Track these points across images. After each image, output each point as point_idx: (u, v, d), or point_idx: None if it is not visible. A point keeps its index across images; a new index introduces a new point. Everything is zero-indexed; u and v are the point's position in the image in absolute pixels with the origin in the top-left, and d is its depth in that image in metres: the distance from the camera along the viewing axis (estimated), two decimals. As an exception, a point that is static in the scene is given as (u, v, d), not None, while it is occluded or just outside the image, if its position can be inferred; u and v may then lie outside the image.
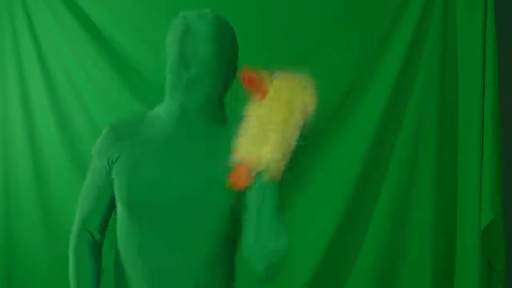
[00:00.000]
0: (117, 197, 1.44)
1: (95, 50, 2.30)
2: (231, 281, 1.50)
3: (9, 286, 2.40)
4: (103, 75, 2.31)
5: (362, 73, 2.25)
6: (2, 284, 2.38)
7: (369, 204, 2.28)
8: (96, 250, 1.52)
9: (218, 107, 1.43)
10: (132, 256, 1.43)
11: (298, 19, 2.24)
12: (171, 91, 1.42)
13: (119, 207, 1.45)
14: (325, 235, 2.26)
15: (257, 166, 1.25)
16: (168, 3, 2.28)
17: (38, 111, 2.37)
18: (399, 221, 2.27)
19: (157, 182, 1.39)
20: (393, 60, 2.23)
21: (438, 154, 2.24)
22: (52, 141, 2.36)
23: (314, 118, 2.28)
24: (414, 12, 2.21)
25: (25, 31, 2.35)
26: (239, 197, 1.39)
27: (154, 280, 1.40)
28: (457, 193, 2.24)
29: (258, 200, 1.29)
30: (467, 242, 2.18)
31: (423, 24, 2.21)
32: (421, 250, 2.25)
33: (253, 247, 1.30)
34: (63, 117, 2.36)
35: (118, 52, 2.32)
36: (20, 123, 2.37)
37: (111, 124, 1.50)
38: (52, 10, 2.32)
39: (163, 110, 1.45)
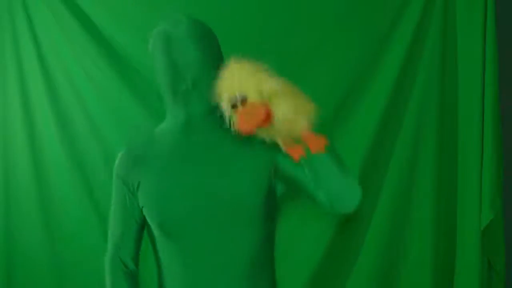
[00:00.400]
0: (149, 221, 1.44)
1: (95, 50, 2.30)
2: (274, 274, 1.54)
3: (9, 286, 2.40)
4: (103, 75, 2.31)
5: (362, 73, 2.25)
6: (2, 284, 2.38)
7: (369, 204, 2.28)
8: (133, 279, 1.51)
9: (207, 98, 1.42)
10: (175, 275, 1.43)
11: (298, 19, 2.24)
12: (172, 104, 1.43)
13: (155, 232, 1.45)
14: (325, 235, 2.26)
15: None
16: (168, 3, 2.28)
17: (38, 111, 2.37)
18: (399, 221, 2.27)
19: (184, 200, 1.39)
20: (393, 60, 2.22)
21: (438, 154, 2.24)
22: (52, 141, 2.36)
23: (314, 119, 2.28)
24: (414, 12, 2.21)
25: (25, 31, 2.35)
26: (270, 191, 1.41)
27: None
28: (457, 193, 2.24)
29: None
30: (467, 242, 2.18)
31: (423, 24, 2.21)
32: (421, 250, 2.25)
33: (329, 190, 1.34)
34: (63, 117, 2.36)
35: (118, 52, 2.32)
36: (20, 123, 2.37)
37: (124, 148, 1.49)
38: (52, 10, 2.32)
39: (169, 124, 1.45)
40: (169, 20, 1.44)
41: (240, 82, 1.29)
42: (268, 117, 1.27)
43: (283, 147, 1.34)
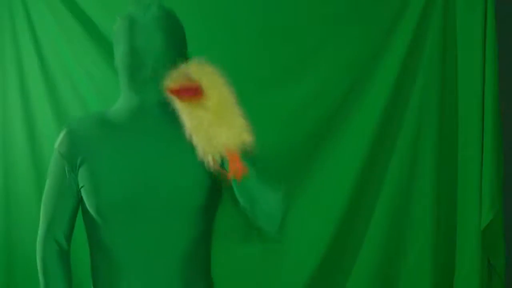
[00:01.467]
0: (86, 202, 1.42)
1: (95, 50, 2.30)
2: (209, 270, 1.50)
3: (9, 286, 2.39)
4: (103, 75, 2.31)
5: (362, 72, 2.24)
6: (2, 284, 2.38)
7: (369, 204, 2.28)
8: (65, 259, 1.50)
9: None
10: (109, 259, 1.42)
11: (298, 18, 2.24)
12: (128, 88, 1.42)
13: (90, 212, 1.43)
14: (325, 235, 2.25)
15: (235, 149, 1.27)
16: (168, 3, 2.28)
17: (38, 111, 2.36)
18: (399, 220, 2.27)
19: (126, 183, 1.38)
20: (393, 60, 2.22)
21: (438, 154, 2.24)
22: (52, 141, 2.33)
23: (314, 118, 2.29)
24: (414, 12, 2.21)
25: (25, 31, 2.35)
26: (211, 191, 1.40)
27: (136, 279, 1.39)
28: (457, 193, 2.24)
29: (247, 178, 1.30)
30: (467, 242, 2.18)
31: (423, 24, 2.21)
32: (421, 250, 2.24)
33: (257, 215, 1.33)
34: (63, 117, 2.35)
35: (118, 52, 2.32)
36: (20, 123, 2.37)
37: (68, 125, 1.47)
38: (52, 10, 2.32)
39: (121, 108, 1.44)
40: (138, 6, 1.44)
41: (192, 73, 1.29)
42: (196, 91, 1.26)
43: (203, 157, 1.30)
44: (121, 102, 1.45)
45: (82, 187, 1.43)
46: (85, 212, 1.47)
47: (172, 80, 1.28)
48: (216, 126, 1.27)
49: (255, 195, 1.29)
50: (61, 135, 1.48)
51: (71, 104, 2.35)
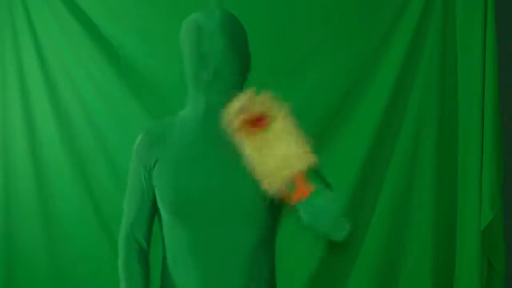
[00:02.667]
0: (160, 203, 1.46)
1: (95, 50, 2.30)
2: (273, 272, 1.53)
3: (9, 286, 2.40)
4: (103, 75, 2.31)
5: (362, 73, 2.25)
6: (2, 284, 2.38)
7: (369, 204, 2.28)
8: (145, 259, 1.54)
9: (227, 90, 1.45)
10: (181, 258, 1.45)
11: (298, 19, 2.24)
12: (194, 92, 1.46)
13: (163, 213, 1.47)
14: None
15: (298, 172, 1.28)
16: (168, 3, 2.28)
17: (38, 111, 2.37)
18: (399, 221, 2.27)
19: (197, 183, 1.42)
20: (393, 60, 2.22)
21: (438, 154, 2.24)
22: (52, 141, 2.36)
23: (314, 118, 2.29)
24: (414, 12, 2.21)
25: (25, 31, 2.35)
26: (272, 199, 1.43)
27: (208, 275, 1.43)
28: (457, 193, 2.24)
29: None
30: (467, 242, 2.18)
31: (423, 24, 2.21)
32: (421, 250, 2.24)
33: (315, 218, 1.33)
34: (63, 117, 2.36)
35: (118, 52, 2.32)
36: (20, 123, 2.37)
37: (146, 128, 1.52)
38: (52, 10, 2.32)
39: (189, 112, 1.48)
40: (202, 11, 1.47)
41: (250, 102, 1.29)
42: (263, 123, 1.28)
43: (269, 188, 1.31)
44: (189, 105, 1.51)
45: (155, 186, 1.47)
46: (159, 214, 1.52)
47: (234, 114, 1.28)
48: (280, 153, 1.28)
49: (319, 208, 1.32)
50: (139, 137, 1.54)
51: (71, 104, 2.35)
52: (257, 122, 1.29)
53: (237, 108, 1.27)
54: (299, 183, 1.29)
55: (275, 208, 1.47)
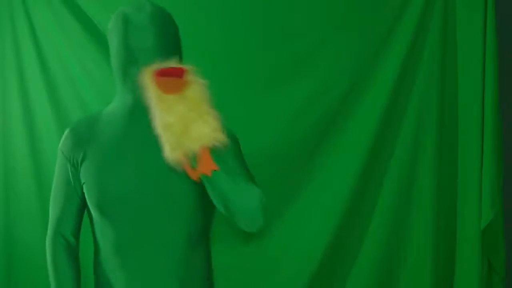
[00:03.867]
0: (88, 200, 1.45)
1: (95, 50, 2.30)
2: (209, 266, 1.51)
3: (9, 286, 2.40)
4: (103, 75, 2.31)
5: (362, 73, 2.24)
6: (2, 284, 2.38)
7: (369, 204, 2.28)
8: (73, 254, 1.53)
9: None
10: (110, 254, 1.44)
11: (298, 19, 2.24)
12: (122, 86, 1.43)
13: (91, 210, 1.46)
14: (325, 235, 2.25)
15: (207, 145, 1.25)
16: (168, 3, 2.28)
17: (38, 111, 2.36)
18: (399, 221, 2.27)
19: (123, 181, 1.40)
20: (393, 60, 2.22)
21: (438, 154, 2.24)
22: (52, 141, 2.35)
23: (314, 119, 2.29)
24: (414, 12, 2.21)
25: (25, 32, 2.35)
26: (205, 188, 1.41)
27: (134, 276, 1.41)
28: (457, 193, 2.24)
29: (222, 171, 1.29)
30: (467, 242, 2.18)
31: (423, 24, 2.21)
32: (421, 250, 2.24)
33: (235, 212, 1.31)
34: (63, 117, 2.36)
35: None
36: (20, 123, 2.37)
37: (72, 124, 1.51)
38: (52, 10, 2.32)
39: (116, 106, 1.46)
40: (132, 4, 1.44)
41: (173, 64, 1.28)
42: (181, 74, 1.25)
43: (171, 153, 1.27)
44: (116, 100, 1.48)
45: (83, 183, 1.46)
46: (88, 210, 1.51)
47: (155, 67, 1.27)
48: (191, 122, 1.24)
49: (227, 193, 1.29)
50: (64, 135, 1.52)
51: (71, 104, 2.35)
52: (174, 71, 1.25)
53: (155, 67, 1.26)
54: (203, 160, 1.25)
55: (206, 203, 1.44)
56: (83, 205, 1.53)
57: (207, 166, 1.26)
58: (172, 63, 1.29)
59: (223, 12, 2.23)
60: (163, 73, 1.26)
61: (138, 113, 1.43)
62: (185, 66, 1.29)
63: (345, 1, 2.23)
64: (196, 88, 1.27)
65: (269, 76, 2.25)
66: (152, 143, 1.41)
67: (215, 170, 1.27)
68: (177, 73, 1.26)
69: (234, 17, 2.25)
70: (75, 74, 2.34)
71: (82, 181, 1.45)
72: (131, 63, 1.40)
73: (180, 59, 1.46)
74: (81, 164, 1.45)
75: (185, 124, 1.24)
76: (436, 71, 2.22)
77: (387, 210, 2.27)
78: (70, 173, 1.47)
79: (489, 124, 2.14)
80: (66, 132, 1.50)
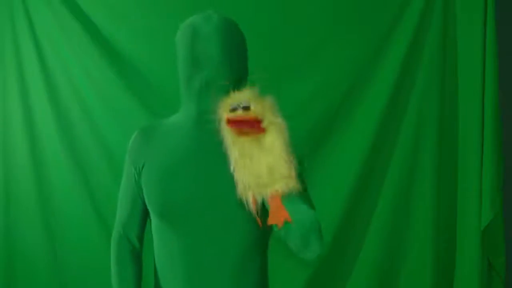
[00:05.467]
0: (148, 205, 1.45)
1: (95, 50, 2.30)
2: (264, 283, 1.51)
3: (9, 286, 2.40)
4: (103, 75, 2.31)
5: (362, 73, 2.25)
6: (2, 284, 2.39)
7: (370, 204, 2.28)
8: (137, 257, 1.53)
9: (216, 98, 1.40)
10: (168, 263, 1.44)
11: (298, 19, 2.24)
12: (187, 96, 1.43)
13: (152, 215, 1.46)
14: (325, 235, 2.24)
15: (280, 193, 1.23)
16: (168, 3, 2.28)
17: (38, 111, 2.37)
18: (399, 221, 2.27)
19: (183, 189, 1.40)
20: (393, 60, 2.23)
21: (438, 154, 2.24)
22: (52, 141, 2.36)
23: (314, 118, 2.29)
24: (414, 12, 2.21)
25: (25, 31, 2.35)
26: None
27: (192, 282, 1.42)
28: (457, 193, 2.24)
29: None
30: (467, 242, 2.19)
31: (423, 24, 2.21)
32: (421, 250, 2.25)
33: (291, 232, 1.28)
34: (63, 117, 2.36)
35: (118, 52, 2.32)
36: (20, 123, 2.37)
37: (139, 129, 1.51)
38: (52, 10, 2.32)
39: (181, 117, 1.46)
40: (200, 15, 1.44)
41: (251, 99, 1.25)
42: (259, 129, 1.22)
43: (242, 194, 1.26)
44: (181, 110, 1.48)
45: (143, 188, 1.46)
46: (149, 215, 1.52)
47: (230, 105, 1.24)
48: (265, 167, 1.22)
49: (292, 227, 1.27)
50: (132, 137, 1.52)
51: (71, 104, 2.35)
52: (251, 124, 1.23)
53: (234, 102, 1.23)
54: (275, 207, 1.23)
55: (263, 217, 1.42)
56: (147, 209, 1.52)
57: (279, 216, 1.23)
58: (247, 103, 1.24)
59: (224, 12, 2.23)
60: (239, 123, 1.22)
61: (201, 123, 1.42)
62: (263, 105, 1.25)
63: (346, 1, 2.23)
64: (274, 130, 1.24)
65: (269, 76, 2.24)
66: (214, 154, 1.40)
67: (287, 221, 1.25)
68: (253, 125, 1.22)
69: (234, 17, 2.24)
70: (75, 74, 2.34)
71: (143, 186, 1.45)
72: (195, 72, 1.39)
73: (246, 69, 1.46)
74: (142, 169, 1.45)
75: (259, 169, 1.22)
76: (436, 70, 2.22)
77: (387, 210, 2.27)
78: (134, 176, 1.48)
79: (489, 124, 2.14)
80: (134, 135, 1.50)
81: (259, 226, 1.42)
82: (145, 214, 1.53)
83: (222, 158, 1.40)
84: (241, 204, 1.37)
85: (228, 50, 1.40)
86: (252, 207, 1.26)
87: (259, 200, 1.24)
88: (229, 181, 1.38)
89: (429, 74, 2.23)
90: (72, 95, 2.35)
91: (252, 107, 1.24)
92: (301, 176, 1.30)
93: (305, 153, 1.34)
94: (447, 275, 2.26)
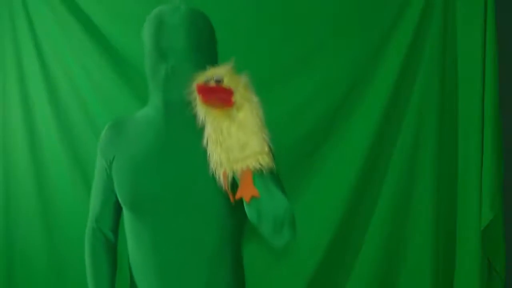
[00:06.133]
0: (119, 198, 1.46)
1: (95, 50, 2.30)
2: (238, 276, 1.49)
3: (9, 286, 2.40)
4: (103, 75, 2.31)
5: (362, 73, 2.25)
6: (2, 284, 2.39)
7: (369, 204, 2.28)
8: (111, 249, 1.55)
9: (184, 89, 1.41)
10: (141, 254, 1.44)
11: (298, 20, 2.24)
12: (153, 87, 1.43)
13: (123, 207, 1.47)
14: (325, 235, 2.26)
15: (253, 167, 1.22)
16: (167, 3, 2.28)
17: (38, 111, 2.37)
18: (399, 221, 2.27)
19: (153, 181, 1.40)
20: (393, 60, 2.22)
21: (438, 154, 2.24)
22: (52, 141, 2.36)
23: (314, 118, 2.29)
24: (414, 13, 2.21)
25: (25, 31, 2.35)
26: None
27: (165, 274, 1.42)
28: (457, 193, 2.24)
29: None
30: (467, 242, 2.18)
31: (423, 25, 2.21)
32: (421, 250, 2.25)
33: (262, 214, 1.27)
34: (63, 117, 2.36)
35: (118, 52, 2.32)
36: (20, 123, 2.37)
37: (109, 123, 1.52)
38: (52, 10, 2.32)
39: (150, 108, 1.46)
40: (167, 5, 1.43)
41: (225, 74, 1.24)
42: (229, 100, 1.20)
43: (214, 168, 1.25)
44: (149, 102, 1.48)
45: (114, 181, 1.47)
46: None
47: (203, 79, 1.23)
48: (237, 142, 1.21)
49: (263, 211, 1.27)
50: (102, 132, 1.54)
51: (71, 104, 2.35)
52: (220, 95, 1.21)
53: (207, 75, 1.22)
54: (245, 182, 1.22)
55: (237, 208, 1.43)
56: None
57: (247, 191, 1.23)
58: (220, 77, 1.23)
59: (224, 12, 2.24)
60: (209, 91, 1.21)
61: (169, 113, 1.42)
62: (236, 80, 1.24)
63: (346, 1, 2.23)
64: (247, 107, 1.23)
65: (270, 76, 2.25)
66: (183, 144, 1.41)
67: (255, 196, 1.24)
68: (222, 97, 1.21)
69: (234, 17, 2.25)
70: (75, 74, 2.34)
71: (114, 179, 1.47)
72: (161, 63, 1.39)
73: (215, 61, 1.45)
74: (112, 161, 1.47)
75: (231, 143, 1.21)
76: (436, 71, 2.22)
77: (387, 210, 2.27)
78: (105, 170, 1.49)
79: (489, 124, 2.14)
80: (104, 129, 1.52)
81: (232, 219, 1.41)
82: (119, 207, 1.54)
83: (191, 147, 1.39)
84: (214, 194, 1.37)
85: (194, 41, 1.39)
86: (223, 181, 1.24)
87: (230, 175, 1.23)
88: (200, 171, 1.37)
89: (429, 74, 2.22)
90: (72, 95, 2.35)
91: (225, 81, 1.23)
92: (273, 158, 1.28)
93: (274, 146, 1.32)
94: (447, 275, 2.26)
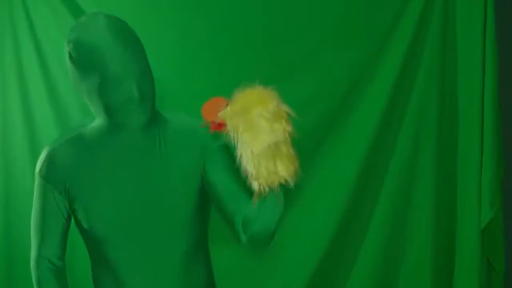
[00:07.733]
0: (82, 223, 1.43)
1: (95, 50, 2.30)
2: (211, 275, 1.52)
3: (9, 286, 2.40)
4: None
5: (362, 73, 2.25)
6: (2, 284, 2.38)
7: (369, 204, 2.28)
8: (61, 277, 1.50)
9: (150, 106, 1.40)
10: (108, 272, 1.44)
11: (298, 19, 2.24)
12: (106, 109, 1.39)
13: (87, 231, 1.44)
14: (325, 235, 2.26)
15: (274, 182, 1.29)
16: (167, 3, 2.28)
17: (38, 111, 2.36)
18: (399, 221, 2.28)
19: (115, 201, 1.39)
20: (393, 60, 2.22)
21: (438, 154, 2.24)
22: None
23: (314, 118, 2.29)
24: (414, 12, 2.21)
25: (25, 32, 2.34)
26: (200, 197, 1.41)
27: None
28: (457, 193, 2.24)
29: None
30: (467, 242, 2.19)
31: (423, 24, 2.21)
32: (421, 250, 2.25)
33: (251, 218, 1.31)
34: (63, 117, 2.36)
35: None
36: (20, 123, 2.37)
37: (48, 147, 1.47)
38: (52, 11, 2.32)
39: (99, 127, 1.43)
40: (84, 25, 1.42)
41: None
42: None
43: (252, 181, 1.28)
44: (98, 122, 1.44)
45: (74, 210, 1.44)
46: (82, 230, 1.48)
47: (206, 108, 1.30)
48: (278, 158, 1.33)
49: (264, 212, 1.32)
50: (41, 159, 1.48)
51: (71, 104, 2.35)
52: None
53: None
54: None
55: (201, 213, 1.44)
56: (67, 228, 1.50)
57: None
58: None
59: (224, 12, 2.23)
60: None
61: (123, 134, 1.40)
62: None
63: (345, 1, 2.23)
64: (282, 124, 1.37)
65: (269, 76, 2.23)
66: (138, 160, 1.40)
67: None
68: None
69: (234, 18, 2.25)
70: (75, 74, 2.33)
71: (73, 207, 1.43)
72: (114, 88, 1.35)
73: (144, 57, 1.44)
74: (68, 190, 1.42)
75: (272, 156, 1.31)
76: (436, 71, 2.22)
77: (387, 210, 2.27)
78: (54, 197, 1.44)
79: (489, 124, 2.14)
80: (43, 156, 1.46)
81: (200, 223, 1.43)
82: (64, 233, 1.49)
83: (147, 165, 1.38)
84: (176, 206, 1.37)
85: (140, 58, 1.39)
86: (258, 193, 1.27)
87: (265, 190, 1.28)
88: (159, 187, 1.37)
89: (429, 74, 2.23)
90: (72, 95, 2.34)
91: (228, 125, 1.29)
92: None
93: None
94: (447, 275, 2.26)
